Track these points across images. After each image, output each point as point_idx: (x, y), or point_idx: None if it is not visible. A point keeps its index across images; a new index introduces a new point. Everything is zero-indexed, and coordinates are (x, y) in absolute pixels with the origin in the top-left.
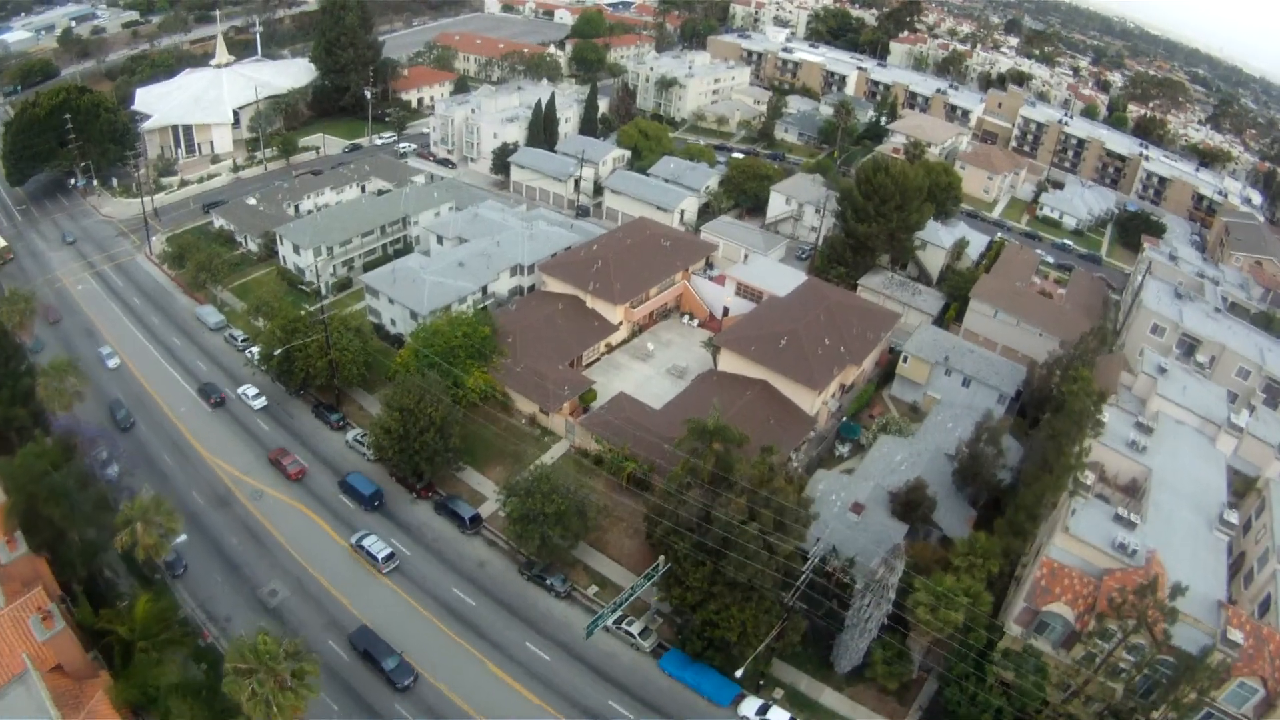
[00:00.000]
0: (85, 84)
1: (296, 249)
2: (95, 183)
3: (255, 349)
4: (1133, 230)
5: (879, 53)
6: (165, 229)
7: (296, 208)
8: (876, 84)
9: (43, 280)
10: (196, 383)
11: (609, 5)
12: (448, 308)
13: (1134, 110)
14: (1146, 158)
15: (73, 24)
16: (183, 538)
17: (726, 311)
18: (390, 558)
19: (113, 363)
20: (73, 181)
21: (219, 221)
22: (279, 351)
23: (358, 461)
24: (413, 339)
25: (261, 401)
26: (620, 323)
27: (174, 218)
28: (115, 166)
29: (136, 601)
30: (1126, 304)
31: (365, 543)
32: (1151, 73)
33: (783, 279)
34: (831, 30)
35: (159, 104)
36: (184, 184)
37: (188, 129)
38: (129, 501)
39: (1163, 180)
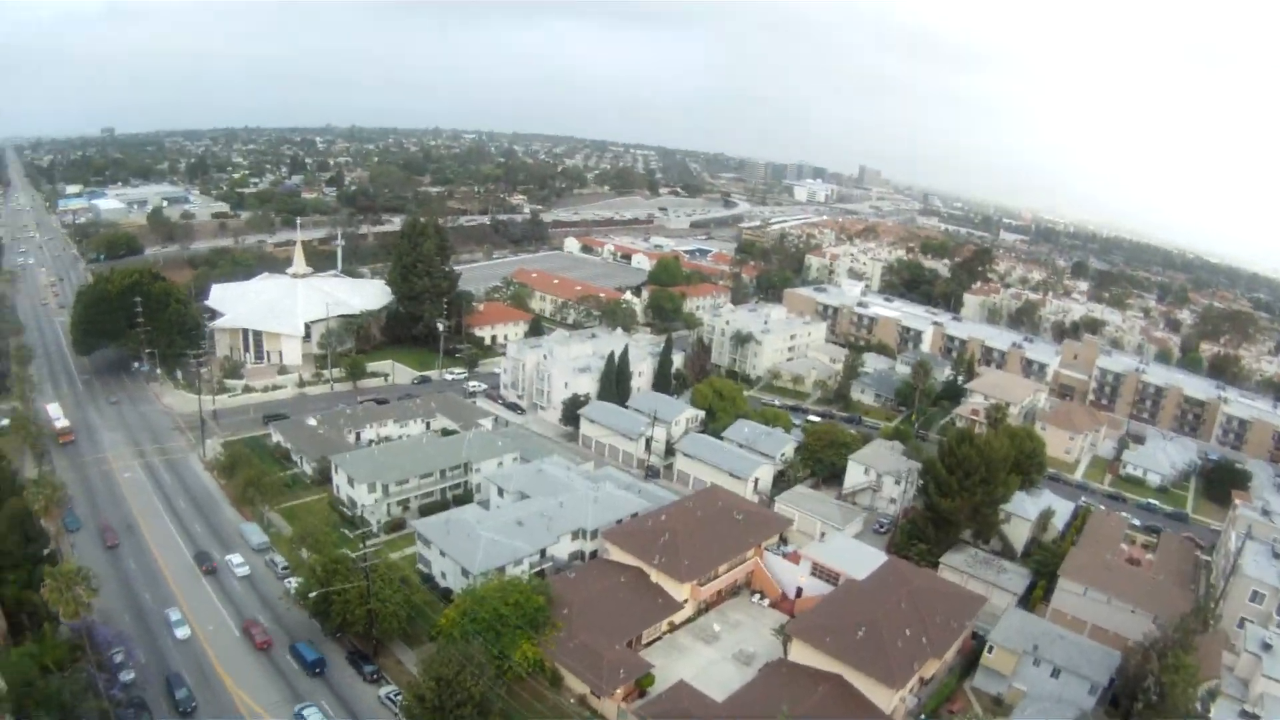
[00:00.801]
0: (166, 267)
1: (351, 481)
2: (159, 371)
3: (294, 581)
4: (1217, 482)
5: (953, 305)
6: (223, 433)
7: (358, 435)
8: (952, 339)
9: (93, 459)
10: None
11: (686, 253)
12: (502, 569)
13: (1206, 348)
14: (1225, 400)
15: (164, 204)
16: None
17: (800, 592)
18: None
19: (182, 633)
20: (136, 365)
21: (277, 437)
22: (315, 594)
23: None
24: (459, 601)
25: (245, 570)
26: (685, 600)
27: (233, 423)
28: (181, 359)
29: None
30: (1219, 566)
31: (305, 714)
32: (1217, 305)
33: (861, 559)
34: (905, 283)
35: (233, 304)
36: (248, 390)
37: (258, 335)
38: None
39: (1243, 423)
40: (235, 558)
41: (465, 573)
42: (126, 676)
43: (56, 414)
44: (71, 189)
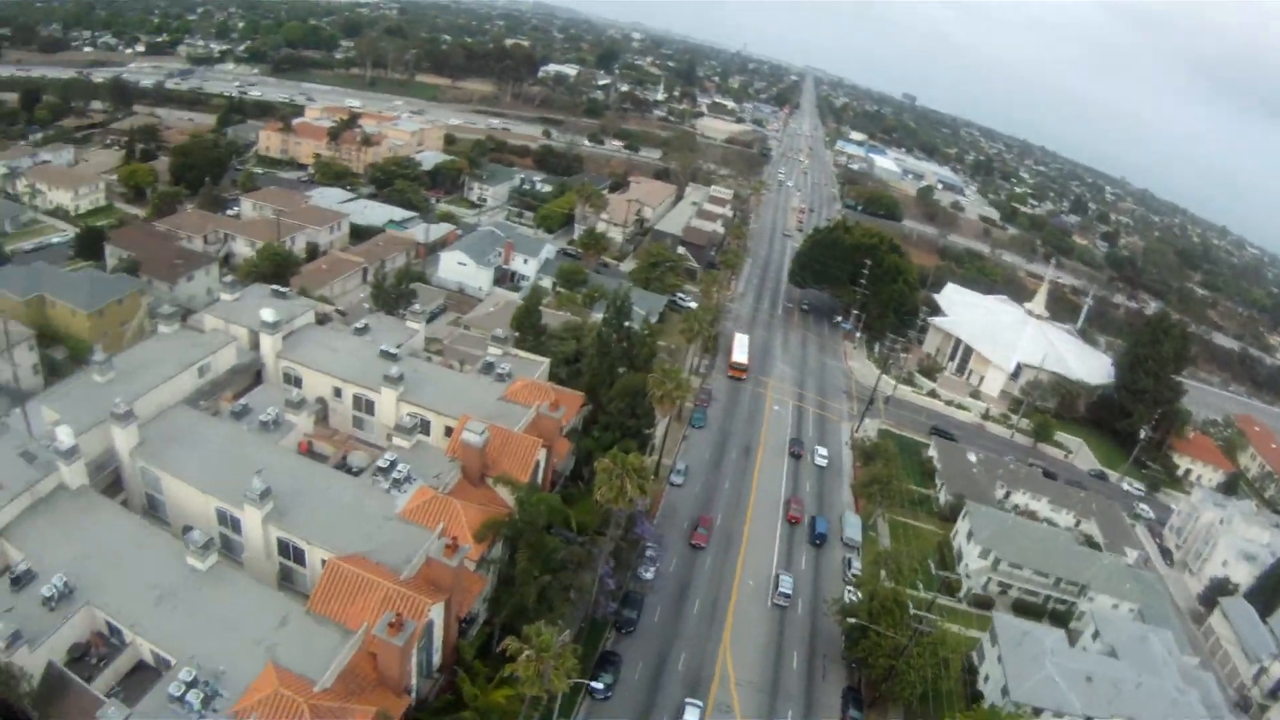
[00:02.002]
0: (915, 244)
1: (970, 535)
2: (859, 334)
3: (852, 593)
4: None
5: None
6: (885, 420)
7: (1006, 494)
8: None
9: (753, 379)
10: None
11: None
12: (1039, 712)
13: None
14: None
15: (938, 185)
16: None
17: None
18: (787, 596)
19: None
20: (839, 319)
21: (933, 453)
22: (854, 621)
23: None
24: (978, 714)
25: (824, 462)
26: None
27: (900, 417)
28: (883, 334)
29: (500, 688)
30: None
31: (781, 578)
32: None
33: None
34: None
35: (960, 309)
36: (932, 395)
37: (968, 350)
38: (540, 627)
39: None
40: (821, 449)
41: (1005, 692)
42: (645, 573)
43: (741, 349)
44: (855, 135)
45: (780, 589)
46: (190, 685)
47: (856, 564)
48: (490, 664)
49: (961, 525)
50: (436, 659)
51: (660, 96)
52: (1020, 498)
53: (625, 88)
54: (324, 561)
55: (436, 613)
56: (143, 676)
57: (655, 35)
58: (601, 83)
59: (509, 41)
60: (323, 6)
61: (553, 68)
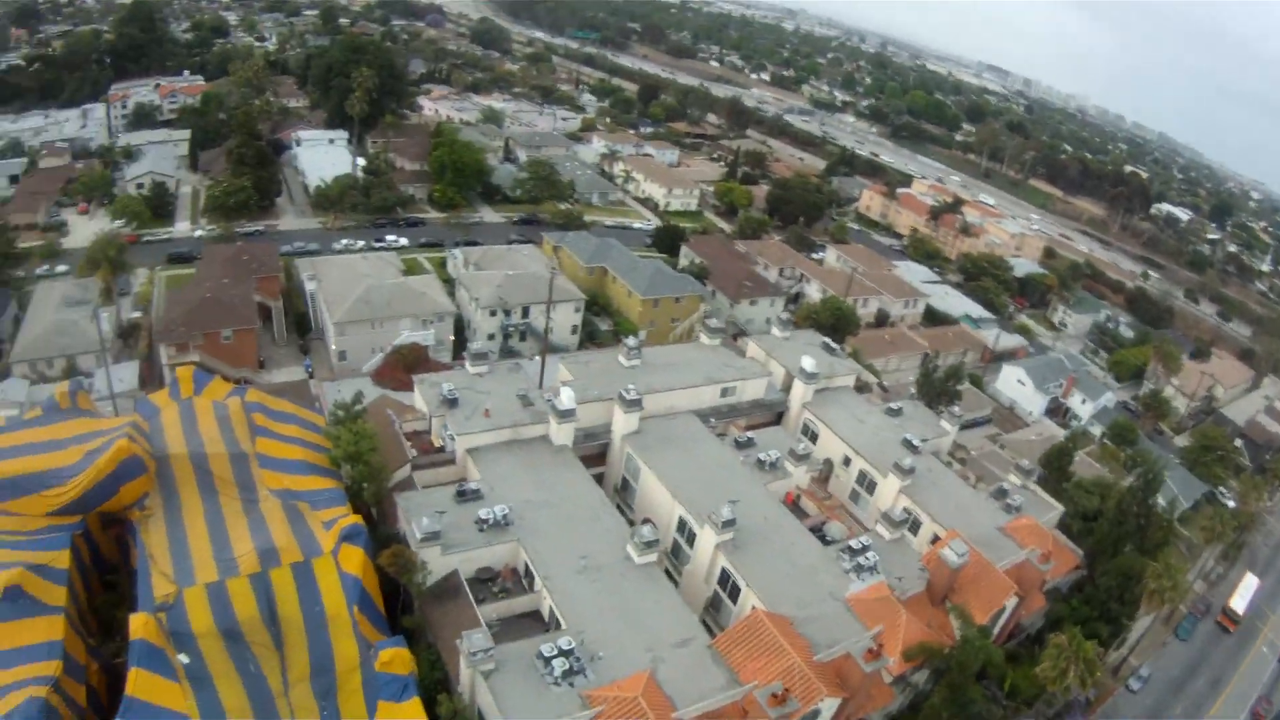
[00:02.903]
0: None
1: None
2: None
3: None
4: None
5: None
6: None
7: None
8: None
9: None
10: None
11: None
12: None
13: None
14: None
15: None
16: None
17: None
18: None
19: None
20: None
21: None
22: None
23: None
24: None
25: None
26: None
27: None
28: None
29: None
30: None
31: None
32: None
33: None
34: None
35: None
36: None
37: None
38: None
39: None
40: None
41: None
42: None
43: (1244, 594)
44: None
45: None
46: (563, 653)
47: None
48: None
49: None
50: None
51: (1265, 268)
52: None
53: (1233, 248)
54: (754, 608)
55: (828, 706)
56: (528, 625)
57: (1276, 199)
58: (1211, 236)
59: (1128, 168)
60: (951, 84)
61: (1165, 207)
